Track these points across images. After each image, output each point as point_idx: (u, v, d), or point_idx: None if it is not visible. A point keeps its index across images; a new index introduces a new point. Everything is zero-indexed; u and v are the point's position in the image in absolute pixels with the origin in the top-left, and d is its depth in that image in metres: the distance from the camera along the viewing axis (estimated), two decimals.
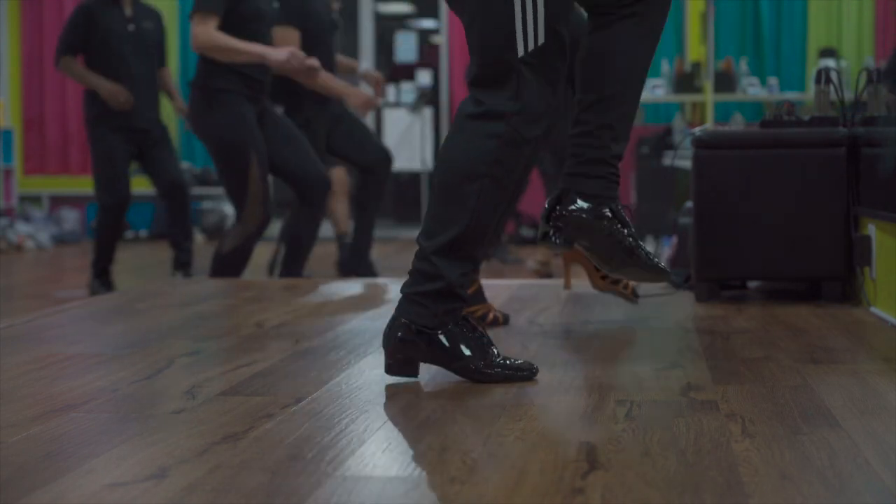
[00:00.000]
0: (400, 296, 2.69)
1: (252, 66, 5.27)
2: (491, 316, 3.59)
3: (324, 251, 8.27)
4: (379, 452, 2.05)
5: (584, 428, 2.21)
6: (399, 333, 2.67)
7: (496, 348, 2.71)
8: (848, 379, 2.71)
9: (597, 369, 2.85)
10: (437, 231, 2.63)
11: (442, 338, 2.65)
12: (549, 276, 6.90)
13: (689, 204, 4.74)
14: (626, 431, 2.18)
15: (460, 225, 2.61)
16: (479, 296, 3.61)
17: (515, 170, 2.65)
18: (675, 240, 5.39)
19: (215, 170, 6.33)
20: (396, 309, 2.69)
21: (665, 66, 9.89)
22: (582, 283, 4.47)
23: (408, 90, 11.27)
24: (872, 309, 3.87)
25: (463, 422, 2.28)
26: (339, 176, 7.37)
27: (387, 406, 2.45)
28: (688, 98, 9.77)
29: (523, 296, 4.36)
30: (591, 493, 1.78)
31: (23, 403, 2.47)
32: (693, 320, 3.73)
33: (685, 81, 9.67)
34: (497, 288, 4.67)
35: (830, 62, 9.44)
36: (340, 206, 7.39)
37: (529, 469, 1.92)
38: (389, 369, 2.71)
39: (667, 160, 8.70)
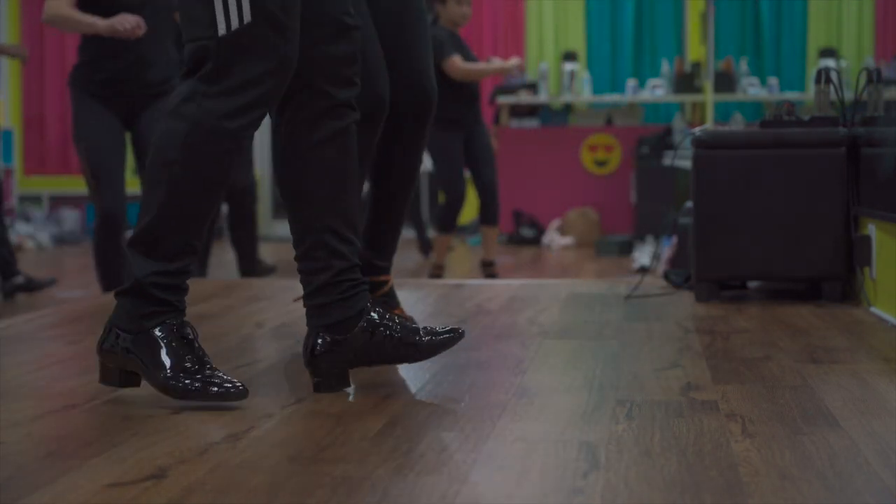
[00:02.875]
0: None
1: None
2: None
3: None
4: (379, 452, 2.05)
5: (584, 428, 2.21)
6: (103, 339, 2.47)
7: (210, 362, 2.44)
8: (848, 379, 2.71)
9: (597, 369, 2.85)
10: (139, 221, 2.43)
11: (133, 342, 2.43)
12: (439, 277, 6.83)
13: (689, 204, 4.74)
14: (627, 431, 2.18)
15: (150, 214, 2.40)
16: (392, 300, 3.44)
17: (211, 157, 2.40)
18: (675, 240, 5.39)
19: None
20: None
21: (665, 66, 9.90)
22: (582, 283, 4.47)
23: None
24: (872, 309, 3.86)
25: (463, 422, 2.28)
26: None
27: (386, 406, 2.45)
28: (688, 98, 9.77)
29: (523, 296, 4.36)
30: (591, 493, 1.78)
31: (23, 403, 2.47)
32: (693, 320, 3.73)
33: (685, 81, 9.67)
34: (497, 288, 4.67)
35: (830, 62, 9.44)
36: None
37: (529, 469, 1.92)
38: (102, 378, 2.49)
39: (667, 160, 8.71)
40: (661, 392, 2.55)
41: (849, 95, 4.34)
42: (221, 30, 2.36)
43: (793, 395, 2.51)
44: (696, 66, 9.72)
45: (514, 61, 6.85)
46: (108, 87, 4.88)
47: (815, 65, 9.80)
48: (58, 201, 11.33)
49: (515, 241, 9.70)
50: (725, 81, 9.41)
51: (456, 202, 6.71)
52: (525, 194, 9.78)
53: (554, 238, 9.43)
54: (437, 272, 6.82)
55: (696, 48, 9.96)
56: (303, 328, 3.58)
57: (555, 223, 9.54)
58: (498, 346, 3.26)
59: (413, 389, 2.62)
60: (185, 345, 2.42)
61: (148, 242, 2.41)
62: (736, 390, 2.57)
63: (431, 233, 7.93)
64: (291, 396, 2.53)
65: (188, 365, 2.41)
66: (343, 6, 2.54)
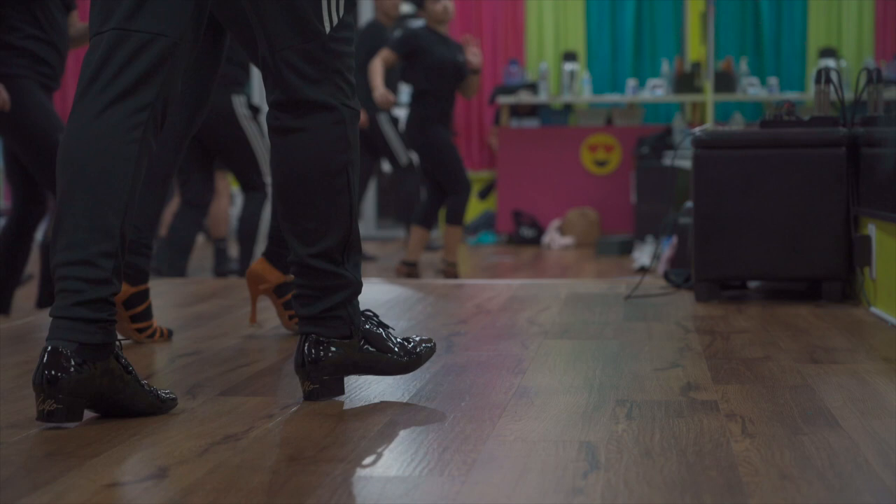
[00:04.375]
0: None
1: (45, 49, 4.67)
2: (157, 334, 3.40)
3: None
4: (379, 452, 2.05)
5: (584, 428, 2.21)
6: (311, 355, 2.48)
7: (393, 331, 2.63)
8: (848, 379, 2.71)
9: (597, 369, 2.85)
10: (336, 235, 2.50)
11: (367, 342, 2.53)
12: (415, 275, 6.77)
13: (689, 204, 4.74)
14: (627, 431, 2.18)
15: (349, 219, 2.53)
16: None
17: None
18: (675, 240, 5.39)
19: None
20: (301, 330, 2.51)
21: (665, 66, 9.90)
22: (582, 283, 4.47)
23: (407, 89, 11.26)
24: (872, 309, 3.87)
25: (463, 422, 2.28)
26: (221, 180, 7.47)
27: (387, 406, 2.45)
28: (688, 98, 9.77)
29: (523, 296, 4.36)
30: (592, 493, 1.78)
31: (23, 403, 2.47)
32: (693, 320, 3.73)
33: (685, 81, 9.67)
34: (497, 288, 4.67)
35: (830, 62, 9.43)
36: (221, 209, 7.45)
37: (530, 469, 1.92)
38: (311, 396, 2.50)
39: (667, 160, 8.71)
40: (661, 392, 2.55)
41: (849, 95, 4.34)
42: None
43: (793, 395, 2.51)
44: (696, 66, 9.72)
45: (380, 93, 6.49)
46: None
47: (815, 65, 9.79)
48: None
49: (515, 241, 9.70)
50: (725, 81, 9.41)
51: (467, 194, 6.65)
52: (525, 194, 9.77)
53: (554, 238, 9.43)
54: (412, 271, 6.74)
55: (696, 48, 9.95)
56: None
57: (555, 223, 9.54)
58: (498, 346, 3.26)
59: (413, 389, 2.62)
60: (384, 327, 2.60)
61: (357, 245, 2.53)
62: (736, 390, 2.57)
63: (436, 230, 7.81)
64: (291, 396, 2.53)
65: (403, 340, 2.60)
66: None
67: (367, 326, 2.54)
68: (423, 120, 6.54)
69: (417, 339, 2.63)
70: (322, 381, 2.48)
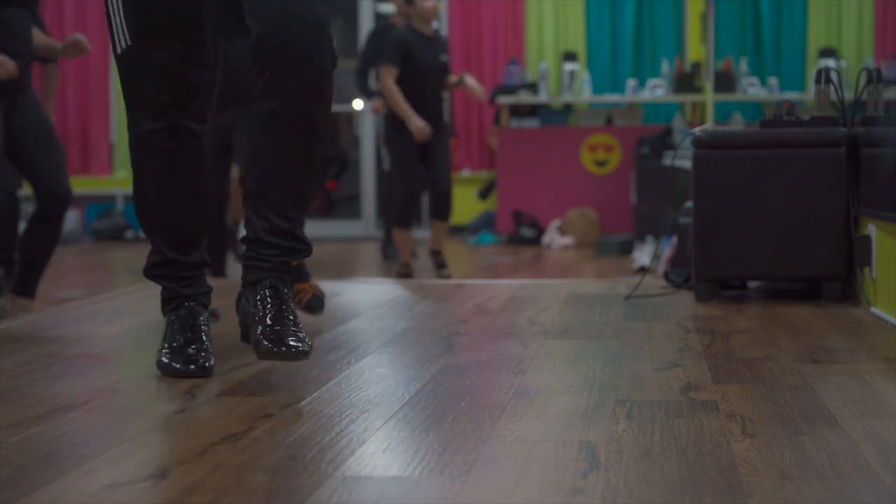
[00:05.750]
0: None
1: None
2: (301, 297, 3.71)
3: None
4: (379, 452, 2.05)
5: (584, 428, 2.21)
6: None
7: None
8: (848, 379, 2.71)
9: (597, 369, 2.85)
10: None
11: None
12: (409, 275, 6.78)
13: (689, 204, 4.74)
14: (627, 431, 2.18)
15: None
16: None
17: (148, 165, 2.87)
18: (675, 240, 5.39)
19: None
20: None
21: (665, 66, 9.89)
22: (582, 283, 4.47)
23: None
24: (872, 309, 3.86)
25: (463, 422, 2.28)
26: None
27: (387, 406, 2.45)
28: (688, 98, 9.76)
29: (523, 296, 4.36)
30: (592, 493, 1.78)
31: (23, 403, 2.47)
32: (693, 320, 3.73)
33: (685, 81, 9.67)
34: (497, 288, 4.67)
35: (830, 62, 9.43)
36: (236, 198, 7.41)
37: (530, 469, 1.92)
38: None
39: (667, 160, 8.70)
40: (661, 392, 2.55)
41: (849, 95, 4.34)
42: (118, 48, 2.76)
43: (793, 395, 2.51)
44: (696, 66, 9.71)
45: (418, 125, 6.48)
46: None
47: (815, 65, 9.79)
48: None
49: (515, 241, 9.70)
50: (725, 81, 9.41)
51: (401, 195, 6.64)
52: (525, 194, 9.77)
53: (554, 238, 9.42)
54: (407, 270, 6.73)
55: (696, 48, 9.95)
56: (303, 328, 3.58)
57: (555, 223, 9.54)
58: (498, 346, 3.26)
59: (413, 389, 2.62)
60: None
61: None
62: (736, 390, 2.57)
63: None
64: (291, 396, 2.53)
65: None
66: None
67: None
68: (401, 122, 6.51)
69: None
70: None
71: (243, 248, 2.71)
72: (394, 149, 6.67)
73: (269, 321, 2.55)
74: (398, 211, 6.66)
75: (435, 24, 7.09)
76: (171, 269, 2.92)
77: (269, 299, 2.59)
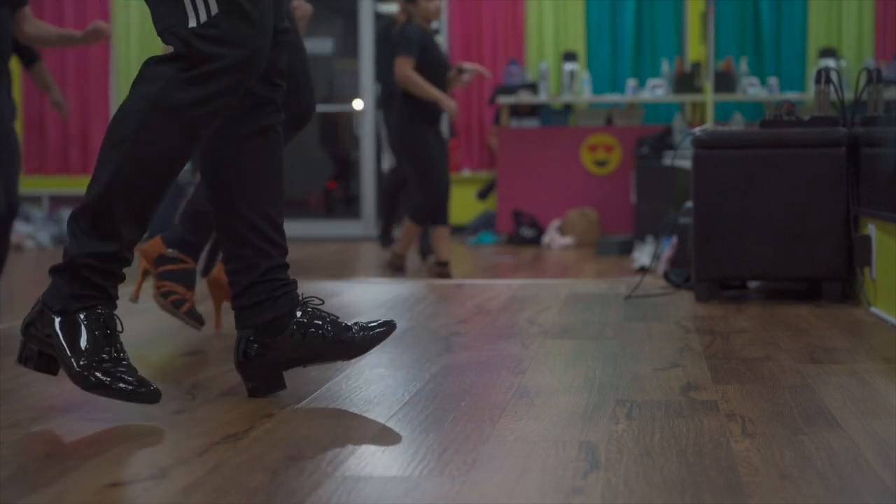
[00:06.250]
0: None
1: None
2: (185, 307, 3.42)
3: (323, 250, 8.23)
4: (379, 452, 2.05)
5: (584, 428, 2.21)
6: (30, 318, 2.37)
7: (127, 359, 2.34)
8: (848, 379, 2.71)
9: (597, 369, 2.85)
10: (87, 194, 2.36)
11: (58, 324, 2.32)
12: (401, 268, 6.81)
13: (689, 204, 4.74)
14: (627, 431, 2.18)
15: (97, 188, 2.33)
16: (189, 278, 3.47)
17: (167, 142, 2.33)
18: (675, 240, 5.39)
19: None
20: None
21: (665, 66, 9.89)
22: (582, 283, 4.47)
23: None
24: (872, 309, 3.87)
25: (463, 422, 2.28)
26: None
27: (387, 406, 2.45)
28: (688, 98, 9.76)
29: (523, 296, 4.36)
30: (592, 493, 1.78)
31: (23, 403, 2.46)
32: (693, 320, 3.73)
33: (685, 81, 9.67)
34: (497, 288, 4.67)
35: (830, 62, 9.43)
36: None
37: (530, 469, 1.92)
38: (19, 358, 2.40)
39: (667, 160, 8.70)
40: (661, 392, 2.55)
41: (849, 95, 4.34)
42: (192, 22, 2.30)
43: (793, 395, 2.51)
44: (696, 66, 9.71)
45: (453, 104, 6.64)
46: None
47: (815, 65, 9.78)
48: (58, 201, 11.33)
49: (515, 241, 9.70)
50: (725, 81, 9.40)
51: (436, 199, 6.67)
52: (525, 194, 9.77)
53: (554, 238, 9.42)
54: (400, 262, 6.79)
55: (696, 48, 9.95)
56: None
57: (555, 223, 9.54)
58: (498, 346, 3.26)
59: (413, 389, 2.62)
60: (106, 336, 2.32)
61: (91, 217, 2.33)
62: (736, 390, 2.57)
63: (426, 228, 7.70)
64: (291, 396, 2.53)
65: (105, 356, 2.30)
66: (280, 10, 2.53)
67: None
68: (412, 120, 6.54)
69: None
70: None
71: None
72: (420, 153, 6.64)
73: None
74: (433, 210, 6.65)
75: (435, 24, 7.10)
76: (114, 265, 2.36)
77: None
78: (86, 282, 2.32)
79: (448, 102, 6.51)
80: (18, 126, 11.51)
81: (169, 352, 3.18)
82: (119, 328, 2.36)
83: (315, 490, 1.80)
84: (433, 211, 6.66)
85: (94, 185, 2.34)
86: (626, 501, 1.74)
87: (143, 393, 2.29)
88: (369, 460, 1.99)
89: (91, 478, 1.88)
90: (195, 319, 3.42)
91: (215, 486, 1.83)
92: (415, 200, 6.83)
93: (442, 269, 6.75)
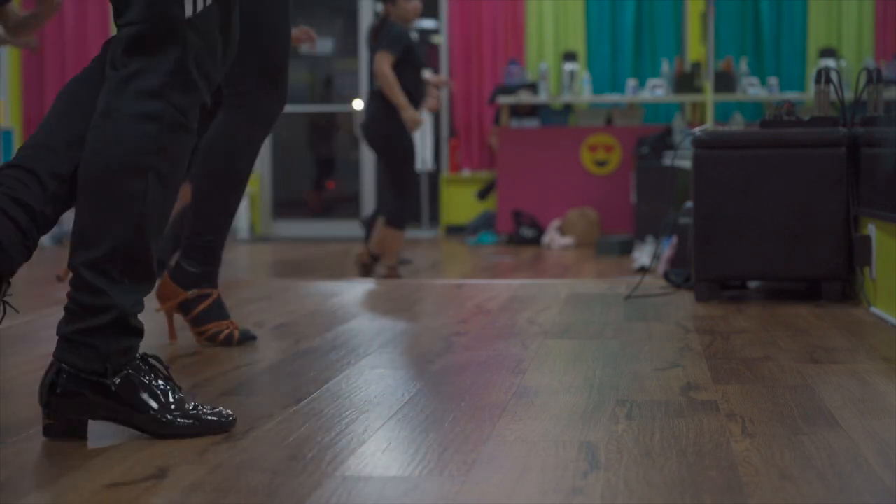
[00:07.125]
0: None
1: None
2: (223, 335, 3.27)
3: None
4: (379, 452, 2.05)
5: (584, 428, 2.21)
6: (59, 387, 2.10)
7: (181, 392, 2.19)
8: (848, 379, 2.71)
9: (597, 369, 2.85)
10: (92, 244, 2.09)
11: (118, 387, 2.11)
12: (369, 269, 6.75)
13: (689, 204, 4.74)
14: (627, 431, 2.18)
15: (125, 232, 2.08)
16: (218, 311, 3.29)
17: (182, 162, 2.13)
18: (675, 240, 5.39)
19: None
20: (54, 354, 2.12)
21: (665, 66, 9.89)
22: (582, 283, 4.47)
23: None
24: (872, 309, 3.87)
25: (463, 422, 2.28)
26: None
27: (387, 406, 2.45)
28: (688, 98, 9.76)
29: (523, 296, 4.36)
30: (592, 493, 1.78)
31: (23, 403, 2.46)
32: (693, 320, 3.73)
33: (685, 81, 9.67)
34: (497, 288, 4.67)
35: (830, 62, 9.43)
36: None
37: (530, 469, 1.92)
38: (48, 431, 2.13)
39: (667, 160, 8.70)
40: (661, 392, 2.55)
41: (849, 95, 4.34)
42: (188, 11, 2.07)
43: (793, 395, 2.51)
44: (696, 66, 9.72)
45: (415, 116, 6.48)
46: None
47: (815, 65, 9.79)
48: None
49: (515, 241, 9.70)
50: (725, 81, 9.41)
51: (411, 199, 6.64)
52: (525, 194, 9.77)
53: (554, 238, 9.42)
54: (396, 273, 6.68)
55: (696, 48, 9.95)
56: (303, 328, 3.59)
57: (555, 223, 9.54)
58: (498, 346, 3.26)
59: (413, 389, 2.62)
60: (157, 373, 2.16)
61: (127, 267, 2.10)
62: (736, 390, 2.57)
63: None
64: (291, 396, 2.53)
65: (172, 399, 2.14)
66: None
67: (129, 372, 2.12)
68: (393, 118, 6.49)
69: (211, 411, 2.19)
70: (57, 418, 2.12)
71: None
72: (403, 145, 6.60)
73: None
74: (411, 208, 6.59)
75: (433, 24, 7.10)
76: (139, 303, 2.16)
77: None
78: (133, 331, 2.12)
79: (410, 113, 6.41)
80: (18, 126, 11.53)
81: (169, 352, 3.18)
82: (155, 358, 2.19)
83: (315, 490, 1.80)
84: (412, 209, 6.59)
85: (111, 231, 2.08)
86: (626, 501, 1.74)
87: (229, 422, 2.19)
88: (369, 460, 1.99)
89: (91, 478, 1.88)
90: (250, 339, 3.31)
91: (215, 486, 1.83)
92: (388, 203, 6.69)
93: (373, 264, 6.66)
